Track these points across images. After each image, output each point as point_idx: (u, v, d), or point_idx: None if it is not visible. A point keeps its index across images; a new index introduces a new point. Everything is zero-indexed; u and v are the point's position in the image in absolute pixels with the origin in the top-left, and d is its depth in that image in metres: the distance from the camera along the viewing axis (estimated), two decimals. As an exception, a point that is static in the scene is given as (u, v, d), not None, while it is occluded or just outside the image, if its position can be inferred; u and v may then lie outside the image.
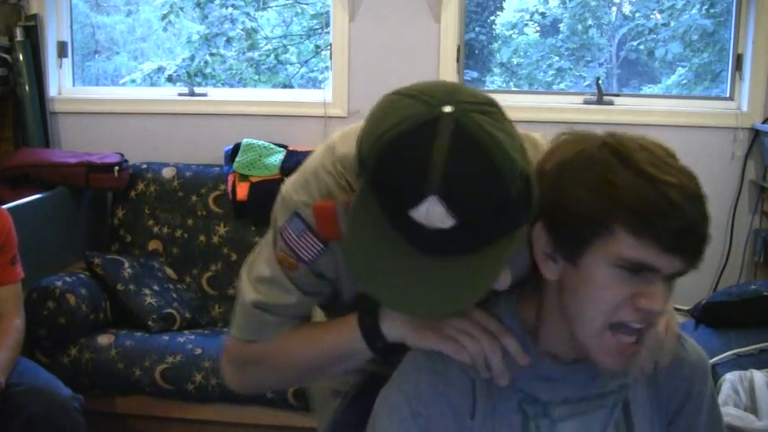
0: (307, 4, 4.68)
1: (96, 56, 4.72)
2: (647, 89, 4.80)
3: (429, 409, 1.05)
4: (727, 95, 3.22)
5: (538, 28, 5.12)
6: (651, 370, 1.08)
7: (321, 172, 1.13)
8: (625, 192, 0.92)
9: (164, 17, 4.49)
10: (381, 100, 0.98)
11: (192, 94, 3.40)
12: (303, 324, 1.22)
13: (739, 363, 2.17)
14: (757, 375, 2.03)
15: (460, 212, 0.88)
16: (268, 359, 1.22)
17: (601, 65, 4.95)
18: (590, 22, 4.94)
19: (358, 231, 0.97)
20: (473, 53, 4.73)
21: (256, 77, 4.62)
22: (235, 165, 3.04)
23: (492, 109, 0.94)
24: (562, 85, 4.88)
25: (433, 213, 0.88)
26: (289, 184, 1.17)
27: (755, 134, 3.08)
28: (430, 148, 0.88)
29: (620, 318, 0.96)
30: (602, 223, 0.93)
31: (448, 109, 0.90)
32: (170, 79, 4.44)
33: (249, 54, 4.60)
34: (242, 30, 4.53)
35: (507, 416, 1.06)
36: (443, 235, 0.89)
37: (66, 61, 3.40)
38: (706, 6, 4.52)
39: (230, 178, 3.04)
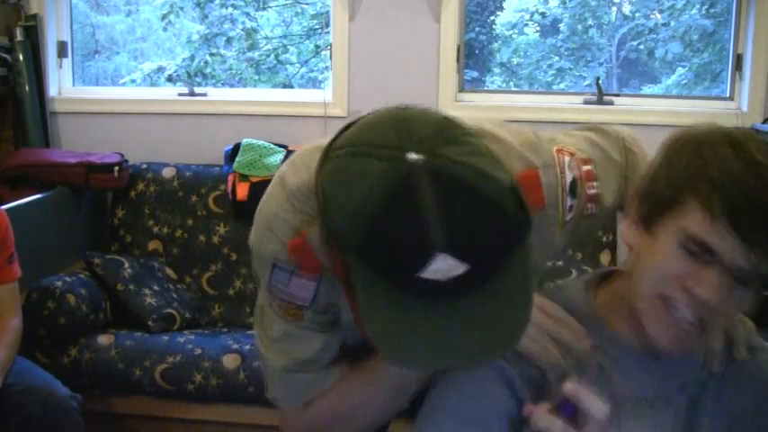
0: (307, 4, 4.68)
1: (96, 56, 4.73)
2: (647, 89, 4.80)
3: (485, 414, 1.01)
4: (727, 95, 3.22)
5: (538, 28, 5.12)
6: (723, 366, 1.05)
7: (280, 212, 1.10)
8: (715, 166, 0.91)
9: (164, 17, 4.50)
10: (332, 166, 0.89)
11: (191, 94, 3.40)
12: (352, 372, 1.16)
13: (739, 363, 2.16)
14: (757, 375, 2.03)
15: (471, 255, 0.83)
16: (337, 419, 1.17)
17: (601, 65, 4.95)
18: (590, 22, 4.95)
19: (371, 312, 0.88)
20: (473, 53, 4.74)
21: (256, 77, 4.63)
22: (235, 165, 3.04)
23: (451, 132, 0.87)
24: (562, 85, 4.88)
25: (443, 268, 0.82)
26: (255, 237, 1.14)
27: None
28: (418, 209, 0.81)
29: (667, 292, 0.96)
30: (679, 195, 0.94)
31: (413, 157, 0.82)
32: (170, 79, 4.44)
33: (249, 54, 4.60)
34: (242, 30, 4.54)
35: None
36: (458, 278, 0.84)
37: (66, 61, 3.40)
38: (706, 6, 4.52)
39: (230, 178, 3.04)
